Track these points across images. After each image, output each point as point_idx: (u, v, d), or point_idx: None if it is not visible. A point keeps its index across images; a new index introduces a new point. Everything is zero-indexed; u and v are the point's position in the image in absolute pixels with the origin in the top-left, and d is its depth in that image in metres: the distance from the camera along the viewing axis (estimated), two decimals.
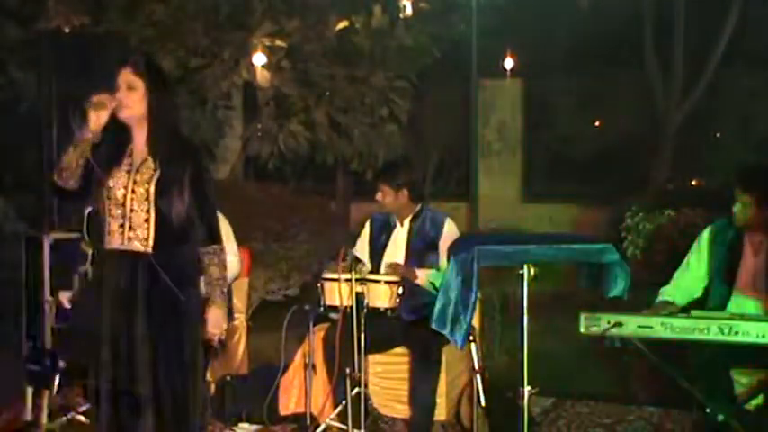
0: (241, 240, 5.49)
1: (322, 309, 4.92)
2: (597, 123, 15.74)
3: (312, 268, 9.07)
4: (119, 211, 3.73)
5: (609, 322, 3.91)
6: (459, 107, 13.18)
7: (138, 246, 3.71)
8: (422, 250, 5.48)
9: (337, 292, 4.78)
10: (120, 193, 3.73)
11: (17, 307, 5.68)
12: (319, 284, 4.92)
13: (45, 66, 6.17)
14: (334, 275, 4.81)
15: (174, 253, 3.74)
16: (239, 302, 5.60)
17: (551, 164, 14.89)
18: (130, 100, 3.74)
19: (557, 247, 3.89)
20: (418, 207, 5.59)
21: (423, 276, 5.38)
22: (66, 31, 8.43)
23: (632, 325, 3.92)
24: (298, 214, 10.01)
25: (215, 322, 3.82)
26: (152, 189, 3.73)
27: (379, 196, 5.53)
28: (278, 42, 9.12)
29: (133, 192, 3.73)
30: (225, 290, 3.89)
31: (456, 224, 5.58)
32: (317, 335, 5.30)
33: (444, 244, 5.30)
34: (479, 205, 12.64)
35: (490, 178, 13.52)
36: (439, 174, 13.22)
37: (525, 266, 3.83)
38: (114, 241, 3.73)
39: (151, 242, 3.72)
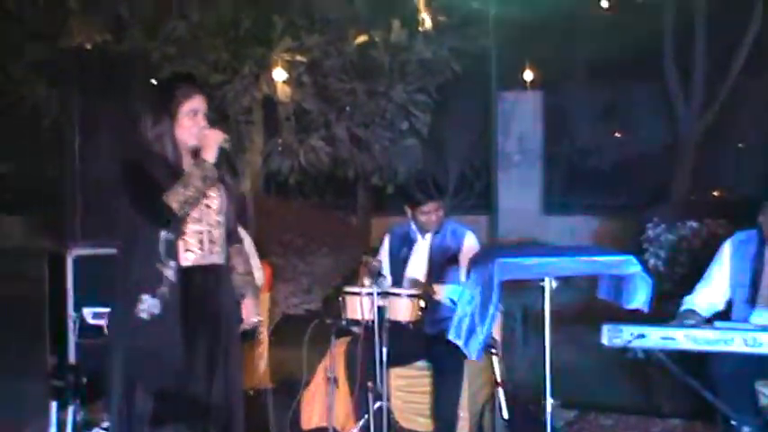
0: (262, 255, 5.52)
1: (344, 322, 4.93)
2: (618, 134, 15.69)
3: (334, 282, 9.08)
4: (198, 228, 3.86)
5: (632, 334, 3.89)
6: (479, 120, 13.16)
7: (217, 259, 3.92)
8: (443, 264, 5.48)
9: (359, 306, 4.78)
10: (200, 209, 3.88)
11: (41, 323, 5.72)
12: (341, 298, 4.93)
13: (67, 82, 6.24)
14: (356, 289, 4.82)
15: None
16: (261, 317, 5.61)
17: (572, 175, 14.83)
18: (205, 124, 3.91)
19: (578, 259, 3.89)
20: (440, 220, 5.59)
21: (442, 293, 5.37)
22: (89, 48, 8.52)
23: (655, 337, 3.90)
24: (319, 229, 10.03)
25: (252, 311, 4.10)
26: (222, 203, 3.94)
27: (432, 217, 5.51)
28: (298, 57, 9.16)
29: (208, 207, 3.89)
30: (254, 284, 4.15)
31: (477, 237, 5.58)
32: (339, 349, 5.31)
33: (465, 257, 5.30)
34: (500, 218, 12.59)
35: (510, 190, 13.48)
36: (460, 187, 13.20)
37: (547, 279, 3.83)
38: (196, 257, 3.85)
39: (224, 254, 3.96)
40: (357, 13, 9.64)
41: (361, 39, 9.48)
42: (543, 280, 3.85)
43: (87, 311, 5.46)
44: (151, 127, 3.89)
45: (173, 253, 3.78)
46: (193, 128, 3.90)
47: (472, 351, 3.76)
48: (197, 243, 3.87)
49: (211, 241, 3.90)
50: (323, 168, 10.00)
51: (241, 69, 9.22)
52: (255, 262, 5.25)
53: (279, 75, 9.13)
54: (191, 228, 3.87)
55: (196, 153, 3.92)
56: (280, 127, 9.82)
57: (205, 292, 3.87)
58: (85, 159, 6.06)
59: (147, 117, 3.91)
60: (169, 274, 3.73)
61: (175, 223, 3.79)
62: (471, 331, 3.74)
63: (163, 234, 3.76)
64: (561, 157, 14.78)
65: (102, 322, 5.40)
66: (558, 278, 3.86)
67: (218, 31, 9.15)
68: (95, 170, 6.19)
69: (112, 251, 5.35)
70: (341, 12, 9.59)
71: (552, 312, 3.86)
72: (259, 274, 5.25)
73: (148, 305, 3.73)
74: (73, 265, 5.68)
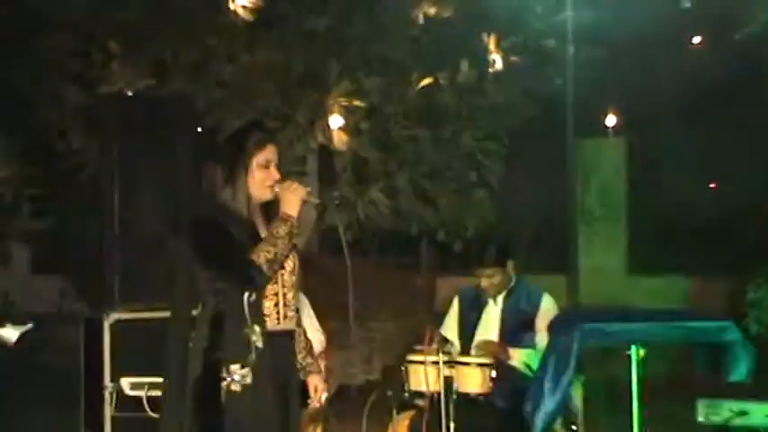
0: (320, 320, 5.55)
1: (406, 394, 4.92)
2: (712, 185, 15.52)
3: (396, 351, 9.06)
4: (274, 291, 3.91)
5: (732, 411, 3.82)
6: (556, 169, 13.13)
7: (290, 324, 3.98)
8: (517, 329, 5.46)
9: (423, 376, 4.76)
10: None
11: (75, 394, 5.78)
12: (403, 367, 4.92)
13: (107, 131, 6.35)
14: (420, 357, 4.81)
15: None
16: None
17: (660, 231, 14.67)
18: (278, 176, 3.99)
19: (669, 324, 3.85)
20: (513, 281, 5.58)
21: (518, 357, 5.34)
22: (130, 94, 8.69)
23: (759, 414, 3.83)
24: (379, 291, 10.04)
25: (323, 388, 4.19)
26: (295, 263, 4.00)
27: (484, 282, 5.52)
28: (356, 102, 9.24)
29: (282, 267, 3.93)
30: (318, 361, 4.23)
31: (554, 300, 5.56)
32: (402, 423, 5.27)
33: (542, 322, 5.29)
34: (580, 278, 12.50)
35: (591, 248, 13.40)
36: (535, 244, 13.13)
37: (633, 347, 3.79)
38: (272, 322, 3.90)
39: (296, 319, 4.02)
40: (421, 54, 9.71)
41: (426, 81, 9.54)
42: (630, 348, 3.80)
43: (125, 382, 5.52)
44: (222, 181, 3.95)
45: (259, 317, 3.84)
46: (267, 181, 3.96)
47: (538, 424, 3.72)
48: (273, 306, 3.92)
49: (285, 305, 3.95)
50: (383, 223, 10.03)
51: (293, 116, 9.32)
52: (315, 324, 5.31)
53: (335, 121, 9.22)
54: (271, 290, 3.92)
55: (269, 209, 3.99)
56: (336, 178, 9.88)
57: (281, 361, 3.93)
58: (125, 215, 6.14)
59: (216, 171, 3.98)
60: (257, 340, 3.78)
61: (261, 284, 3.85)
62: (539, 401, 3.71)
63: (246, 297, 3.81)
64: (648, 211, 14.63)
65: (141, 393, 5.47)
66: (646, 346, 3.81)
67: (268, 74, 9.27)
68: (136, 226, 6.27)
69: (154, 315, 5.41)
70: (403, 52, 9.68)
71: (640, 385, 3.80)
72: (320, 336, 5.31)
73: (239, 376, 3.77)
74: (111, 331, 5.76)
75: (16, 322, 5.49)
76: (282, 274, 3.94)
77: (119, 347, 5.73)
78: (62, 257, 10.33)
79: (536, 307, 5.48)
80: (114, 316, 5.78)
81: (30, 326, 5.51)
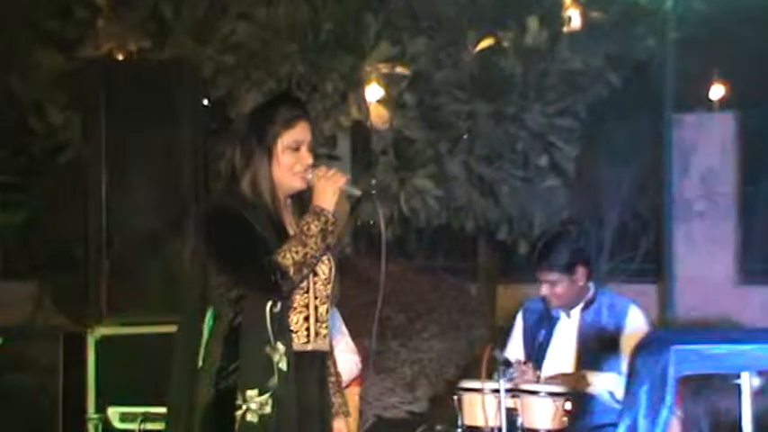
0: (352, 336, 5.56)
1: (460, 430, 4.92)
2: None
3: (447, 374, 9.07)
4: (304, 301, 3.93)
5: None
6: (646, 152, 13.06)
7: (322, 344, 4.01)
8: (597, 349, 5.47)
9: (481, 408, 4.77)
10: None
11: (52, 425, 5.84)
12: (456, 397, 4.94)
13: (92, 104, 6.39)
14: (477, 385, 4.82)
15: None
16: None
17: None
18: (311, 160, 4.02)
19: None
20: (591, 291, 5.57)
21: (599, 385, 5.33)
22: (120, 58, 8.73)
23: None
24: (426, 301, 10.05)
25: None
26: (331, 270, 4.03)
27: (545, 289, 5.52)
28: (399, 69, 9.24)
29: (315, 274, 3.96)
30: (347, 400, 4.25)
31: (645, 314, 5.54)
32: None
33: (628, 341, 5.29)
34: (676, 287, 12.42)
35: (691, 250, 13.33)
36: (619, 244, 13.07)
37: (745, 374, 3.77)
38: (300, 341, 3.92)
39: (330, 339, 4.06)
40: (479, 9, 9.69)
41: (485, 43, 9.52)
42: (740, 376, 3.78)
43: (114, 412, 5.57)
44: (242, 165, 3.96)
45: (284, 332, 3.85)
46: (296, 166, 3.97)
47: None
48: (302, 321, 3.93)
49: (317, 320, 3.97)
50: (431, 218, 10.02)
51: (322, 86, 9.34)
52: (350, 344, 5.34)
53: (373, 93, 9.23)
54: (300, 302, 3.94)
55: (300, 200, 4.03)
56: (374, 163, 9.89)
57: (308, 389, 3.95)
58: (115, 206, 6.18)
59: (235, 152, 3.98)
60: (280, 360, 3.79)
61: (288, 292, 3.85)
62: None
63: (269, 308, 3.81)
64: (764, 205, 14.53)
65: (134, 427, 5.51)
66: (761, 373, 3.79)
67: (291, 34, 9.29)
68: (128, 221, 6.29)
69: (151, 330, 5.47)
70: (456, 7, 9.67)
71: (754, 419, 3.78)
72: (354, 357, 5.35)
73: (257, 404, 3.78)
74: (96, 349, 5.80)
75: None
76: (315, 282, 3.96)
77: (106, 370, 5.79)
78: (36, 259, 10.42)
79: (621, 323, 5.48)
80: (100, 331, 5.84)
81: None
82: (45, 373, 5.97)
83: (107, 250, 6.19)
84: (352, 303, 5.68)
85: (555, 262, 5.51)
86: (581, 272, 5.53)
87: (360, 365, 5.60)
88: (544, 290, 5.54)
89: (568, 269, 5.51)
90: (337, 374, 4.20)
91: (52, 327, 8.44)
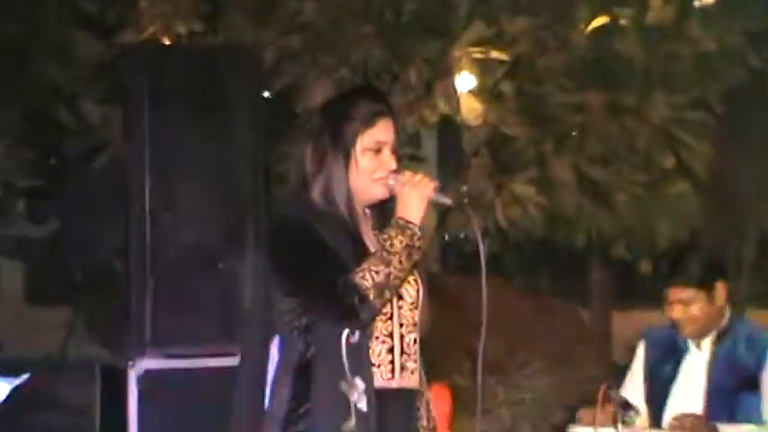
0: (438, 371, 5.54)
1: None
2: None
3: (553, 417, 9.04)
4: (387, 330, 3.92)
5: None
6: None
7: (411, 380, 3.97)
8: (733, 389, 5.39)
9: None
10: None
11: None
12: None
13: (134, 97, 6.44)
14: (590, 429, 4.79)
15: None
16: None
17: None
18: (395, 165, 3.98)
19: None
20: (726, 318, 5.50)
21: None
22: (167, 43, 8.81)
23: None
24: (529, 330, 10.02)
25: None
26: (420, 293, 4.01)
27: (676, 311, 5.45)
28: (495, 54, 9.24)
29: (401, 298, 3.95)
30: None
31: None
32: None
33: None
34: None
35: None
36: (762, 262, 12.97)
37: None
38: (382, 376, 3.90)
39: (419, 374, 4.01)
40: None
41: (599, 21, 9.49)
42: None
43: None
44: (312, 170, 3.98)
45: (363, 366, 3.83)
46: (377, 171, 3.97)
47: None
48: (384, 353, 3.91)
49: (404, 351, 3.94)
50: (533, 231, 10.01)
51: (404, 74, 9.36)
52: None
53: (464, 82, 9.23)
54: (381, 330, 3.92)
55: (381, 211, 4.01)
56: (465, 165, 9.90)
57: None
58: (161, 217, 6.20)
59: (305, 154, 4.00)
60: (358, 399, 3.79)
61: (367, 319, 3.83)
62: None
63: (345, 337, 3.81)
64: None
65: None
66: None
67: (367, 15, 9.32)
68: (176, 234, 6.31)
69: (203, 364, 5.50)
70: None
71: None
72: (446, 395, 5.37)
73: None
74: (139, 385, 5.85)
75: (5, 372, 5.62)
76: (399, 306, 3.94)
77: (150, 410, 5.82)
78: (68, 279, 10.51)
79: (762, 358, 5.39)
80: (144, 365, 5.87)
81: (25, 377, 5.63)
82: (79, 413, 6.02)
83: (152, 269, 6.22)
84: (437, 331, 5.64)
85: (690, 276, 5.44)
86: (720, 290, 5.45)
87: (449, 404, 5.60)
88: (675, 312, 5.44)
89: (706, 286, 5.44)
90: (430, 418, 4.16)
91: (87, 359, 8.52)
